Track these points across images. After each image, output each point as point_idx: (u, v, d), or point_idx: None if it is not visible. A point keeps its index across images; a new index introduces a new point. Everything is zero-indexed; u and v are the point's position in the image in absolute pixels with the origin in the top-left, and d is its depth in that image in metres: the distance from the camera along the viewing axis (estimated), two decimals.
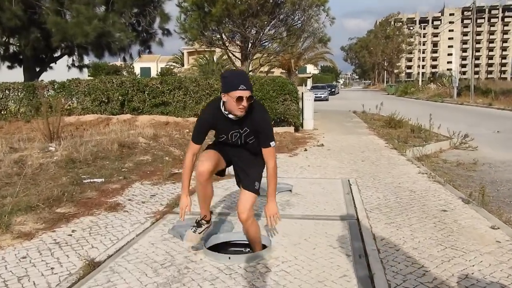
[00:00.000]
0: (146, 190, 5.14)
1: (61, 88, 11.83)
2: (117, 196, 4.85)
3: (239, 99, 2.67)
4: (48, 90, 11.93)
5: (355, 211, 4.14)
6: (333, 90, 51.55)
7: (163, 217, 4.06)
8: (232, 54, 16.97)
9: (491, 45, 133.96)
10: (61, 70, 17.27)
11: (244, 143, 2.96)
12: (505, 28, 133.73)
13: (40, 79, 14.55)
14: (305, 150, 8.39)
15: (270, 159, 2.92)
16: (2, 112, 11.94)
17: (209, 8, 14.78)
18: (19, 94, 12.00)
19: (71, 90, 11.79)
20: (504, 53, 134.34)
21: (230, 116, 2.79)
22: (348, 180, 5.52)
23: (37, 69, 16.31)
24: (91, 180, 5.40)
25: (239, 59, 17.17)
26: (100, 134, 8.75)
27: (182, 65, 43.89)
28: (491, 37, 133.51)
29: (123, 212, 4.25)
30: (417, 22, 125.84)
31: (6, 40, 15.04)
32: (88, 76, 28.11)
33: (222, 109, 2.82)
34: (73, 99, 11.85)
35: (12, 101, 12.06)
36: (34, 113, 11.35)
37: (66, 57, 17.72)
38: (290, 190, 4.91)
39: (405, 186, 5.25)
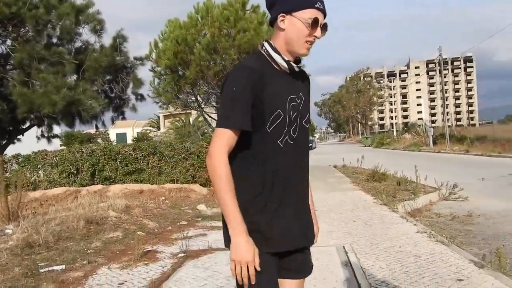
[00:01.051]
0: (114, 276, 4.42)
1: (26, 161, 11.11)
2: None
3: (315, 23, 1.53)
4: (11, 165, 11.17)
5: None
6: (310, 145, 51.87)
7: None
8: (208, 115, 16.71)
9: (457, 94, 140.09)
10: (29, 142, 16.53)
11: (302, 129, 1.67)
12: (468, 77, 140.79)
13: (5, 152, 13.77)
14: None
15: None
16: None
17: (183, 71, 14.62)
18: None
19: (37, 163, 11.07)
20: (470, 101, 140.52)
21: (289, 63, 1.59)
22: (344, 247, 4.94)
23: (3, 142, 15.55)
24: (49, 269, 4.66)
25: (215, 120, 16.86)
26: (66, 209, 8.02)
27: (158, 128, 43.61)
28: (456, 86, 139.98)
29: None
30: (385, 76, 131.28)
31: None
32: (60, 146, 27.32)
33: (272, 53, 1.59)
34: (39, 172, 11.11)
35: None
36: None
37: (35, 128, 17.06)
38: None
39: (407, 250, 4.70)
